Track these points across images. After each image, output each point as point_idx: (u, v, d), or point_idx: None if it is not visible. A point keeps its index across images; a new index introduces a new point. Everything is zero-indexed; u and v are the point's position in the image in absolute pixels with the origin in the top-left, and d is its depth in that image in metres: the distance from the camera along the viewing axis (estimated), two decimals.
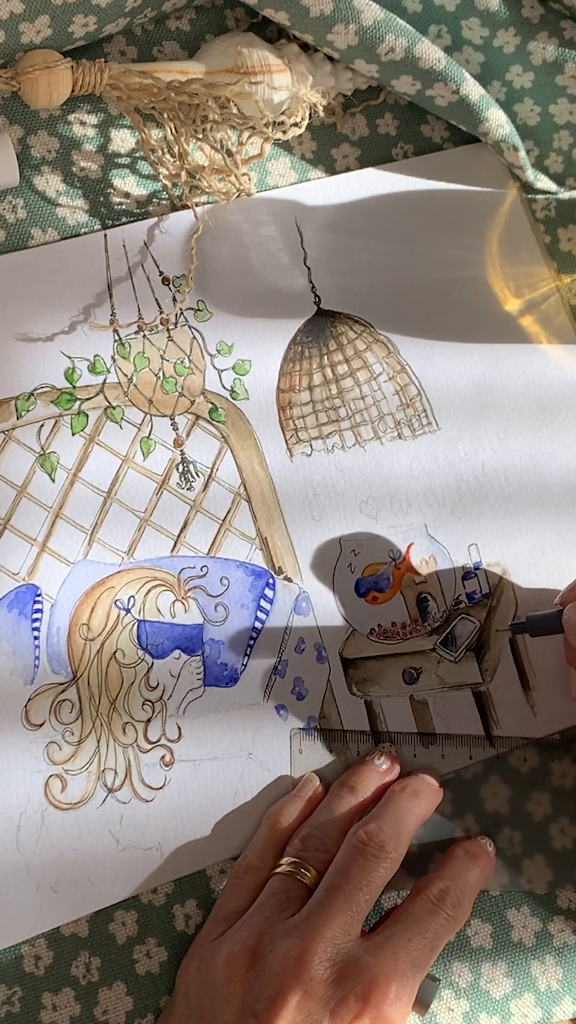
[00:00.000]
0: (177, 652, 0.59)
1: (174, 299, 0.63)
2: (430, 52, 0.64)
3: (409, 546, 0.63)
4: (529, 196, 0.69)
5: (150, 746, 0.58)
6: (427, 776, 0.58)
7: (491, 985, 0.58)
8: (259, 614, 0.60)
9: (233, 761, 0.58)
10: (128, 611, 0.59)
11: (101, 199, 0.64)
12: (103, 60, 0.61)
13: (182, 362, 0.63)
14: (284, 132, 0.65)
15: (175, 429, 0.62)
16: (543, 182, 0.69)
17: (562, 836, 0.61)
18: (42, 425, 0.60)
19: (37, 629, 0.58)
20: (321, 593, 0.61)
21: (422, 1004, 0.54)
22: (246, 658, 0.59)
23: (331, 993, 0.49)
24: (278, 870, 0.54)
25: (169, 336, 0.63)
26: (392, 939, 0.51)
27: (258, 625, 0.60)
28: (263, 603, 0.60)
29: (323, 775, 0.59)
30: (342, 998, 0.48)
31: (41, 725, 0.57)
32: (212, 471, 0.61)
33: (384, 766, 0.58)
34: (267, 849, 0.56)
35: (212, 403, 0.62)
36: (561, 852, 0.60)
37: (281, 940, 0.50)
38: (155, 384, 0.62)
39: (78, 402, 0.61)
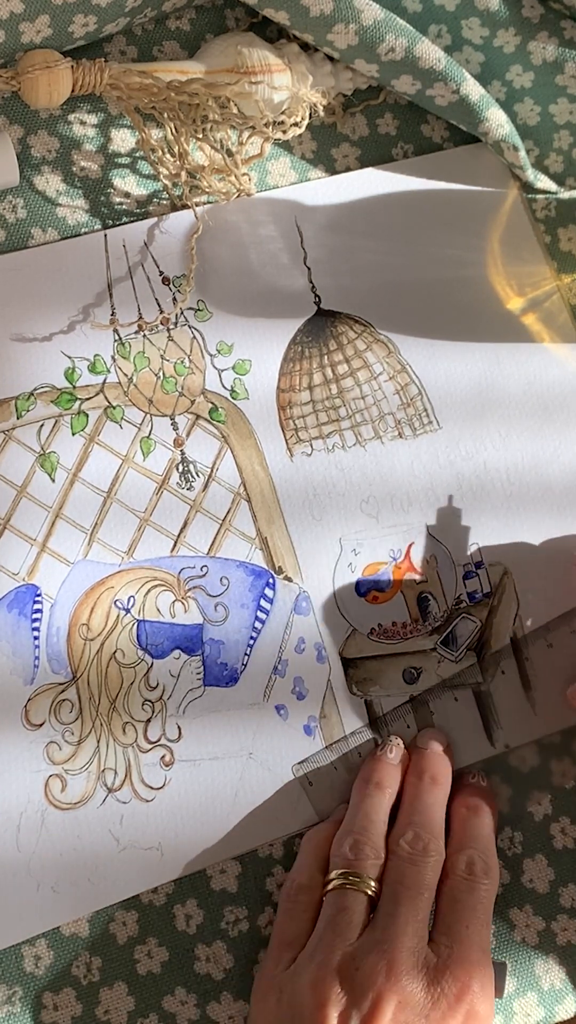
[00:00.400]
0: (177, 652, 0.59)
1: (174, 299, 0.63)
2: (430, 52, 0.64)
3: (410, 546, 0.63)
4: (529, 196, 0.69)
5: (150, 746, 0.58)
6: (434, 743, 0.59)
7: None
8: (259, 614, 0.60)
9: (233, 761, 0.58)
10: (128, 611, 0.59)
11: (101, 199, 0.64)
12: (103, 60, 0.61)
13: (182, 362, 0.63)
14: (284, 132, 0.65)
15: (175, 429, 0.62)
16: (543, 182, 0.68)
17: (563, 835, 0.61)
18: (42, 425, 0.60)
19: (37, 629, 0.58)
20: (321, 593, 0.61)
21: (498, 989, 0.54)
22: (246, 658, 0.59)
23: (423, 999, 0.50)
24: (332, 885, 0.54)
25: (169, 336, 0.63)
26: (453, 932, 0.53)
27: (258, 625, 0.60)
28: (263, 603, 0.60)
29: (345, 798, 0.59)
30: (435, 1002, 0.50)
31: (41, 725, 0.57)
32: (212, 471, 0.61)
33: (396, 760, 0.59)
34: (313, 867, 0.56)
35: (212, 403, 0.62)
36: (563, 851, 0.60)
37: (365, 957, 0.51)
38: (155, 384, 0.62)
39: (78, 402, 0.61)
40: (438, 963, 0.51)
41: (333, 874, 0.54)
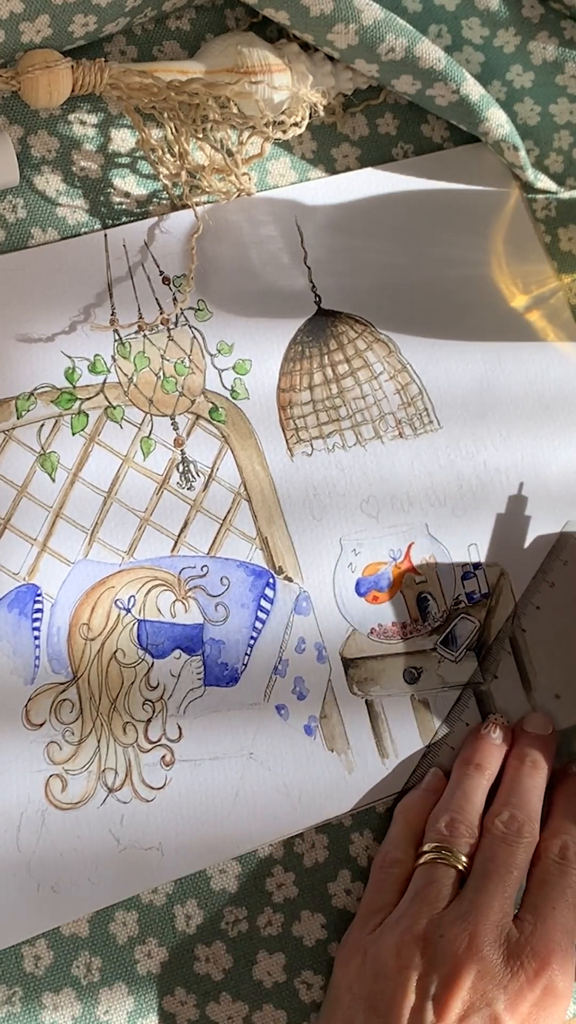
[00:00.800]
0: (177, 652, 0.59)
1: (174, 299, 0.63)
2: (430, 52, 0.64)
3: (410, 545, 0.63)
4: (529, 196, 0.69)
5: (150, 746, 0.58)
6: (539, 727, 0.60)
7: None
8: (259, 614, 0.60)
9: (233, 761, 0.58)
10: (128, 611, 0.59)
11: (101, 199, 0.64)
12: (103, 60, 0.61)
13: (182, 362, 0.63)
14: (284, 132, 0.65)
15: (175, 429, 0.62)
16: (543, 182, 0.68)
17: None
18: (42, 425, 0.60)
19: (37, 629, 0.58)
20: (321, 593, 0.61)
21: None
22: (246, 658, 0.59)
23: (502, 971, 0.52)
24: (424, 859, 0.56)
25: (169, 336, 0.63)
26: (539, 912, 0.54)
27: (258, 625, 0.60)
28: (263, 603, 0.60)
29: (442, 765, 0.60)
30: (513, 974, 0.52)
31: (41, 725, 0.57)
32: (212, 471, 0.61)
33: (499, 739, 0.60)
34: (407, 841, 0.58)
35: (212, 403, 0.62)
36: None
37: (449, 927, 0.53)
38: (155, 384, 0.62)
39: (78, 402, 0.61)
40: (520, 938, 0.53)
41: (427, 847, 0.56)
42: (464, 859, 0.55)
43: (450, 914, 0.53)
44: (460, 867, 0.55)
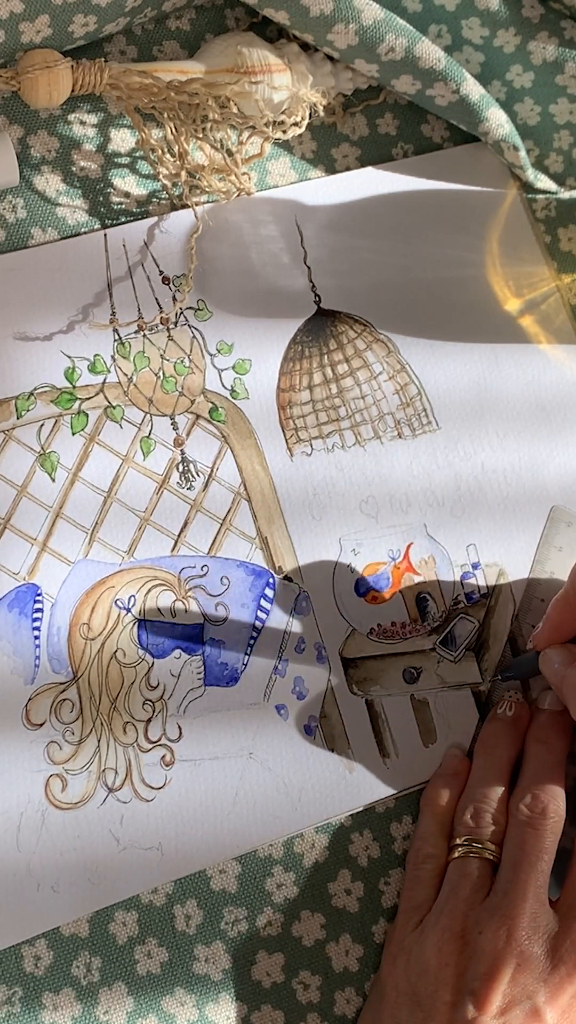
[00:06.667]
0: (177, 651, 0.59)
1: (174, 298, 0.63)
2: (430, 52, 0.64)
3: (409, 546, 0.63)
4: (529, 196, 0.69)
5: (151, 746, 0.58)
6: (552, 703, 0.60)
7: None
8: (259, 613, 0.60)
9: (233, 761, 0.58)
10: (128, 611, 0.59)
11: (101, 199, 0.64)
12: (103, 60, 0.61)
13: (182, 361, 0.63)
14: (284, 132, 0.65)
15: (175, 429, 0.62)
16: (543, 182, 0.69)
17: (562, 837, 0.60)
18: (42, 425, 0.60)
19: (37, 629, 0.58)
20: (321, 593, 0.61)
21: None
22: (246, 657, 0.59)
23: (543, 963, 0.52)
24: (456, 854, 0.56)
25: (169, 335, 0.63)
26: None
27: (258, 624, 0.60)
28: (263, 603, 0.60)
29: (462, 745, 0.61)
30: (554, 967, 0.52)
31: (42, 725, 0.57)
32: (212, 470, 0.61)
33: (515, 719, 0.60)
34: (437, 835, 0.58)
35: (212, 402, 0.62)
36: (560, 851, 0.60)
37: (487, 921, 0.53)
38: (155, 384, 0.62)
39: (78, 402, 0.61)
40: (559, 930, 0.53)
41: (457, 841, 0.57)
42: (493, 847, 0.56)
43: (487, 909, 0.54)
44: (490, 857, 0.56)
